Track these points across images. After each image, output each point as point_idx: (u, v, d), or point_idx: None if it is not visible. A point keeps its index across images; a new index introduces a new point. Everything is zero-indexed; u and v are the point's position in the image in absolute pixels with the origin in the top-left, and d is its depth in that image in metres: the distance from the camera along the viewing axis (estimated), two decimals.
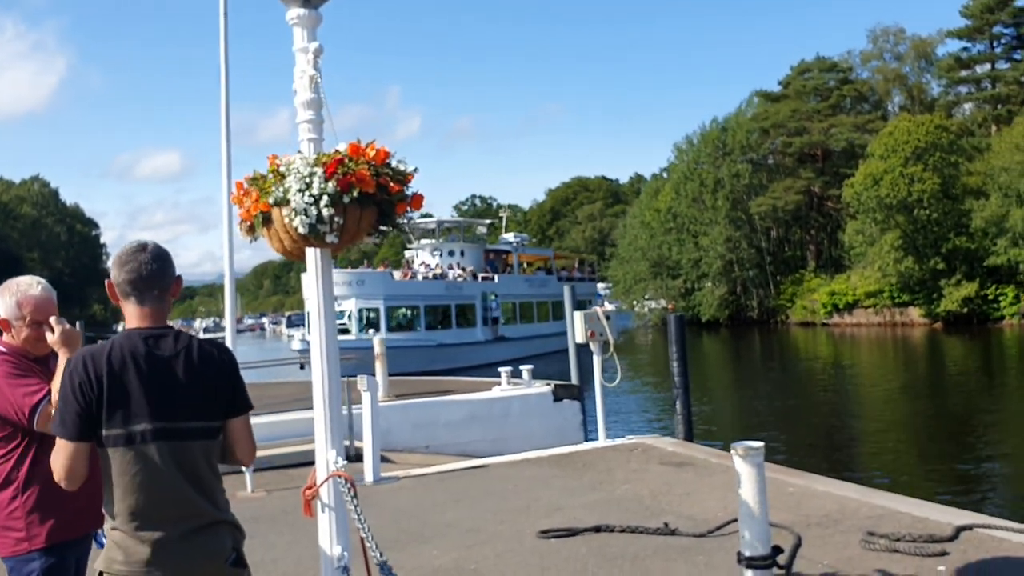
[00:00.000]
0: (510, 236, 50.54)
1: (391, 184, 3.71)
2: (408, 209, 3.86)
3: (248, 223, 3.79)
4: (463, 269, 43.89)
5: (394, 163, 3.74)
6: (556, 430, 12.76)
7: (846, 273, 64.31)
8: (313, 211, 3.54)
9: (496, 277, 44.59)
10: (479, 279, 43.72)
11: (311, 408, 3.71)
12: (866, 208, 56.35)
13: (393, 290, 38.71)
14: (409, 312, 39.61)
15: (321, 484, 3.85)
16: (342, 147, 3.71)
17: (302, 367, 15.62)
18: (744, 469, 4.84)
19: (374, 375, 13.79)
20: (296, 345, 39.16)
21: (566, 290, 13.52)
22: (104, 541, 2.86)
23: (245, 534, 2.99)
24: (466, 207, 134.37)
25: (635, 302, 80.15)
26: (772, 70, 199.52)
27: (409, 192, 3.80)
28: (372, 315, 37.77)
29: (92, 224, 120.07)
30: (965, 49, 66.33)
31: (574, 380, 13.32)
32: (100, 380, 2.72)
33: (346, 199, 3.56)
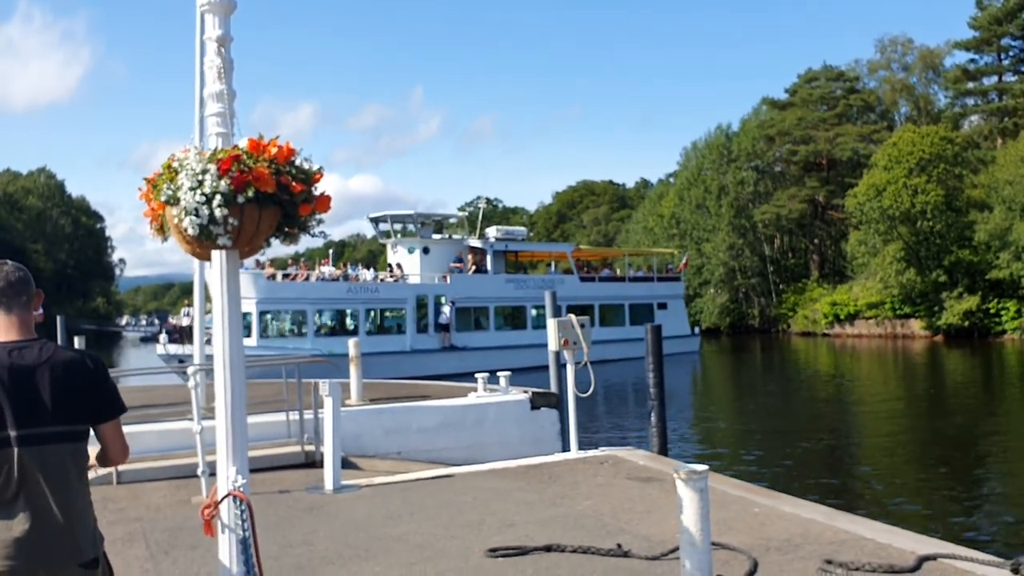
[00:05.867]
0: (491, 231, 44.29)
1: (293, 184, 3.45)
2: (314, 211, 3.62)
3: (157, 223, 3.59)
4: (398, 267, 40.04)
5: (299, 161, 3.49)
6: (532, 439, 12.46)
7: (848, 283, 63.95)
8: (205, 211, 3.29)
9: (449, 278, 39.43)
10: (437, 280, 39.09)
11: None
12: (869, 219, 55.97)
13: (268, 292, 34.70)
14: (299, 316, 35.62)
15: (220, 502, 3.63)
16: (243, 143, 3.47)
17: None
18: (686, 495, 4.56)
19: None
20: (160, 351, 34.62)
21: (547, 296, 13.11)
22: None
23: (103, 538, 3.13)
24: (471, 208, 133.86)
25: None
26: (780, 77, 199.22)
27: (316, 192, 3.57)
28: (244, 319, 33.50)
29: (98, 217, 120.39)
30: (972, 61, 66.05)
31: (553, 388, 13.01)
32: None
33: (241, 199, 3.30)
